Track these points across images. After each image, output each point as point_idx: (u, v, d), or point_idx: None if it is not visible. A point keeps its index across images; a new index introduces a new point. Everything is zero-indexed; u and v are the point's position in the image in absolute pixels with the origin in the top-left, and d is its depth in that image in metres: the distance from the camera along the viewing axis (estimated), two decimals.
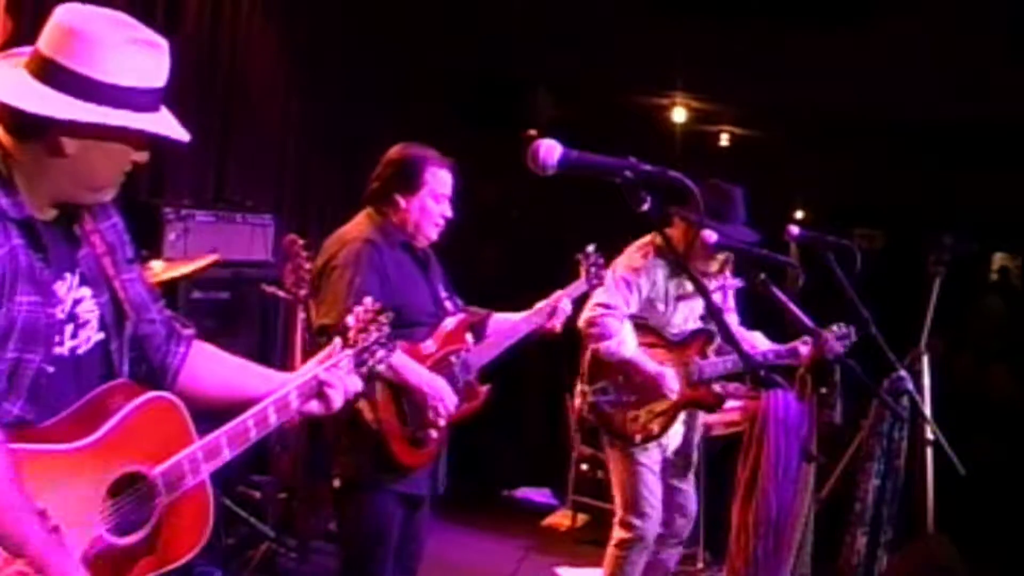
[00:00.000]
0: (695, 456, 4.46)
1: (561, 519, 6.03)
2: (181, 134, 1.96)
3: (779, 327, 5.42)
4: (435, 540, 4.73)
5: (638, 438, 4.17)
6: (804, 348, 4.25)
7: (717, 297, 4.31)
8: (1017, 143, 6.89)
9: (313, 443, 4.56)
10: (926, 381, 4.30)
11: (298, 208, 6.40)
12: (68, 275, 1.96)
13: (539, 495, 6.78)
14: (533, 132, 7.24)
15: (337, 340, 2.36)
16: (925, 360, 4.33)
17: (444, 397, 3.37)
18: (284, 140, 6.35)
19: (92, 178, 1.93)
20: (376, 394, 3.30)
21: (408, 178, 3.41)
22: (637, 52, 6.75)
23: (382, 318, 2.40)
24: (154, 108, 1.93)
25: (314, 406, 2.25)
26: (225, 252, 4.81)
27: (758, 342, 4.39)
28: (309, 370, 2.28)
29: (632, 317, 4.17)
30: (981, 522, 5.02)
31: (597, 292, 4.12)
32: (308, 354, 2.93)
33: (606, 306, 4.11)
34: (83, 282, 1.98)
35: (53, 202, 1.94)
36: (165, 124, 1.94)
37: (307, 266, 4.01)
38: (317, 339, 3.29)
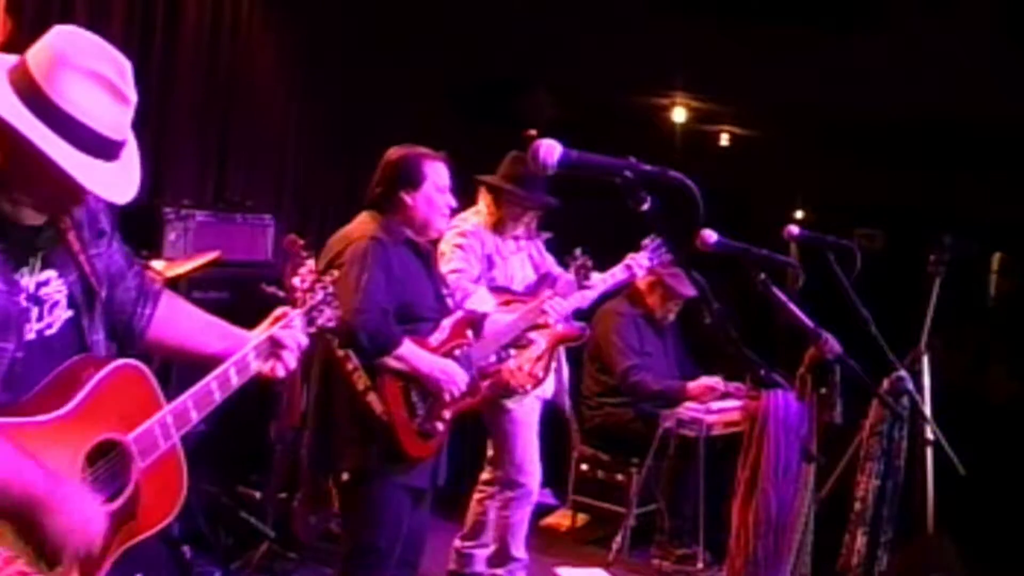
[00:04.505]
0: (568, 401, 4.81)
1: (561, 519, 6.02)
2: (108, 191, 1.90)
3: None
4: (436, 539, 4.74)
5: (529, 386, 4.38)
6: (635, 263, 4.62)
7: (533, 255, 4.58)
8: (1017, 143, 6.88)
9: (316, 439, 4.58)
10: (926, 381, 4.30)
11: (298, 208, 6.40)
12: (30, 259, 1.96)
13: (539, 495, 6.77)
14: (533, 132, 7.24)
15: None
16: (925, 360, 4.33)
17: (456, 379, 3.46)
18: (284, 140, 6.35)
19: (9, 187, 1.88)
20: (385, 387, 3.38)
21: (410, 175, 3.52)
22: (637, 52, 6.75)
23: (326, 278, 2.53)
24: (97, 154, 1.87)
25: (269, 367, 2.32)
26: (225, 252, 4.81)
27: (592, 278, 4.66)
28: (264, 330, 2.35)
29: (480, 280, 4.35)
30: (981, 522, 5.02)
31: (440, 265, 4.28)
32: (309, 356, 2.95)
33: (456, 271, 4.29)
34: (46, 264, 1.98)
35: None
36: (94, 172, 1.87)
37: (308, 265, 4.03)
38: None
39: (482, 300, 4.23)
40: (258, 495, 4.88)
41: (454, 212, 3.68)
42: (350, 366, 3.35)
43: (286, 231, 4.79)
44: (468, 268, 4.33)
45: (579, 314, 4.65)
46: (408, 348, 3.40)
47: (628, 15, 6.50)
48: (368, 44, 6.68)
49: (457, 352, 3.58)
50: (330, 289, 2.51)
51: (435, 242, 3.71)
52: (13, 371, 1.90)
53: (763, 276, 3.45)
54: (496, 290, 4.35)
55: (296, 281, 2.48)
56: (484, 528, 4.63)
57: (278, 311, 2.42)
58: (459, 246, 4.36)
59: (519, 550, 4.59)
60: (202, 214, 5.07)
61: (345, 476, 3.45)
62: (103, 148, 1.88)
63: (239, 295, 5.02)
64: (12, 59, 1.93)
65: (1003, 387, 7.01)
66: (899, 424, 4.09)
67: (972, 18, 5.92)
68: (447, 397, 3.46)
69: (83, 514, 1.90)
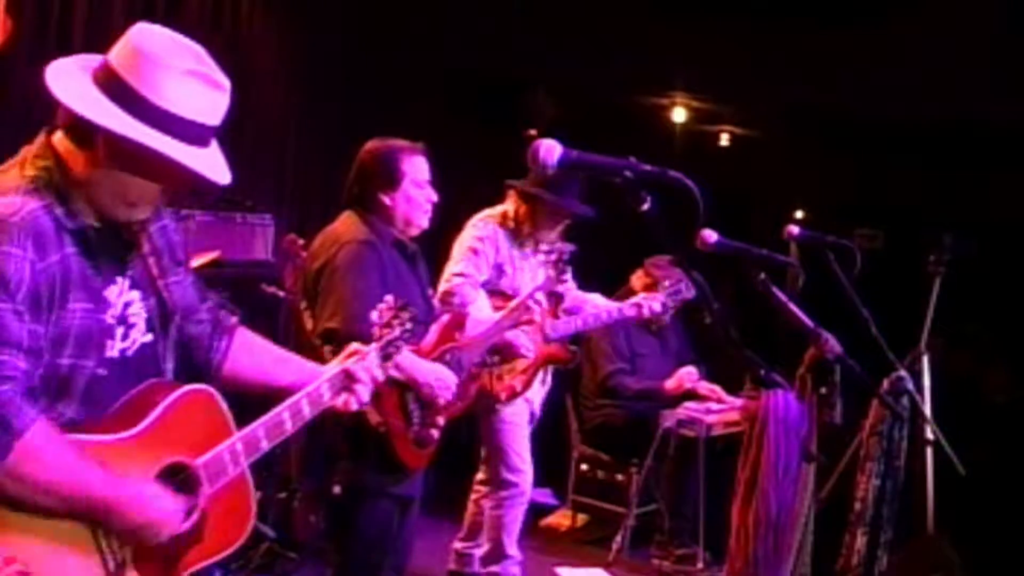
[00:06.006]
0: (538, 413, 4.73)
1: (561, 519, 6.02)
2: (219, 176, 1.98)
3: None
4: (435, 539, 4.75)
5: (503, 396, 4.35)
6: (647, 305, 4.62)
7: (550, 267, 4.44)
8: (1017, 143, 6.88)
9: (310, 445, 4.58)
10: (926, 381, 4.30)
11: (298, 208, 6.40)
12: (119, 279, 2.01)
13: (539, 495, 6.76)
14: (533, 132, 7.24)
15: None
16: (925, 360, 4.33)
17: (449, 385, 3.41)
18: (284, 140, 6.35)
19: (125, 194, 1.95)
20: (382, 397, 3.30)
21: (387, 174, 3.41)
22: (637, 52, 6.75)
23: (404, 314, 2.51)
24: (201, 143, 1.95)
25: (342, 400, 2.35)
26: (225, 252, 4.81)
27: (598, 302, 4.67)
28: (338, 363, 2.37)
29: (485, 285, 4.30)
30: (981, 522, 5.01)
31: (450, 263, 4.30)
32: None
33: (461, 275, 4.25)
34: (133, 285, 2.03)
35: (95, 213, 1.96)
36: (206, 161, 1.95)
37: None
38: (315, 343, 3.28)
39: (480, 309, 4.20)
40: (258, 495, 4.87)
41: (436, 206, 3.57)
42: None
43: (286, 231, 4.80)
44: (475, 274, 4.27)
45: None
46: (406, 356, 3.34)
47: (628, 15, 6.49)
48: (368, 44, 6.68)
49: (448, 356, 3.54)
50: (408, 326, 2.51)
51: (418, 239, 3.62)
52: (92, 388, 1.94)
53: (763, 276, 3.45)
54: (495, 294, 4.32)
55: (374, 316, 2.49)
56: (481, 529, 4.63)
57: (353, 346, 2.43)
58: (473, 250, 4.30)
59: (513, 548, 4.58)
60: (202, 214, 5.07)
61: (337, 490, 3.36)
62: (204, 136, 1.96)
63: (239, 295, 5.01)
64: (92, 60, 1.96)
65: (1003, 387, 7.00)
66: (899, 424, 4.09)
67: (972, 18, 5.92)
68: (441, 403, 3.41)
69: (151, 511, 1.92)
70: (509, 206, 4.43)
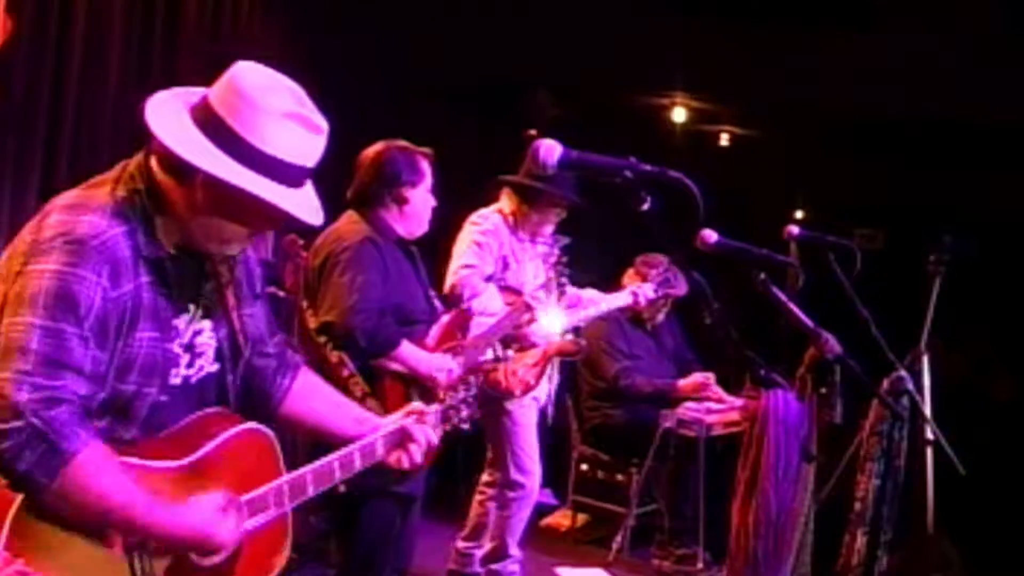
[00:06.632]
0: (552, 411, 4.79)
1: (561, 519, 6.02)
2: (313, 217, 1.98)
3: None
4: (435, 539, 4.75)
5: (518, 391, 4.33)
6: (641, 293, 4.66)
7: (546, 261, 4.48)
8: (1017, 143, 6.88)
9: (313, 444, 4.57)
10: (926, 381, 4.30)
11: None
12: (192, 306, 2.02)
13: (539, 495, 6.76)
14: (533, 132, 7.24)
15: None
16: (925, 360, 4.33)
17: (454, 376, 3.43)
18: None
19: (220, 232, 1.96)
20: (387, 391, 3.33)
21: (412, 172, 3.51)
22: (637, 52, 6.75)
23: (471, 379, 2.53)
24: (297, 184, 1.95)
25: (395, 457, 2.32)
26: None
27: (593, 296, 4.68)
28: (397, 419, 2.35)
29: (491, 279, 4.31)
30: (981, 522, 5.01)
31: (454, 259, 4.31)
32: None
33: (469, 266, 4.25)
34: (205, 315, 2.04)
35: (181, 245, 1.97)
36: (300, 202, 1.96)
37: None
38: (316, 338, 3.30)
39: (491, 298, 4.21)
40: None
41: (435, 207, 3.63)
42: (345, 372, 3.28)
43: (286, 231, 4.79)
44: (481, 266, 4.28)
45: None
46: (407, 348, 3.36)
47: (628, 15, 6.50)
48: (368, 44, 6.68)
49: (450, 355, 3.55)
50: (473, 391, 2.48)
51: (418, 242, 3.66)
52: (153, 412, 1.95)
53: (763, 276, 3.45)
54: (505, 290, 4.32)
55: (440, 376, 2.48)
56: (485, 529, 4.63)
57: (413, 405, 2.43)
58: (477, 243, 4.32)
59: (514, 548, 4.60)
60: None
61: (342, 488, 3.40)
62: (300, 178, 1.97)
63: None
64: (191, 94, 1.95)
65: (1004, 387, 7.01)
66: (899, 424, 4.09)
67: (971, 18, 5.92)
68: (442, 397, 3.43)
69: (213, 526, 1.95)
70: (505, 202, 4.44)
